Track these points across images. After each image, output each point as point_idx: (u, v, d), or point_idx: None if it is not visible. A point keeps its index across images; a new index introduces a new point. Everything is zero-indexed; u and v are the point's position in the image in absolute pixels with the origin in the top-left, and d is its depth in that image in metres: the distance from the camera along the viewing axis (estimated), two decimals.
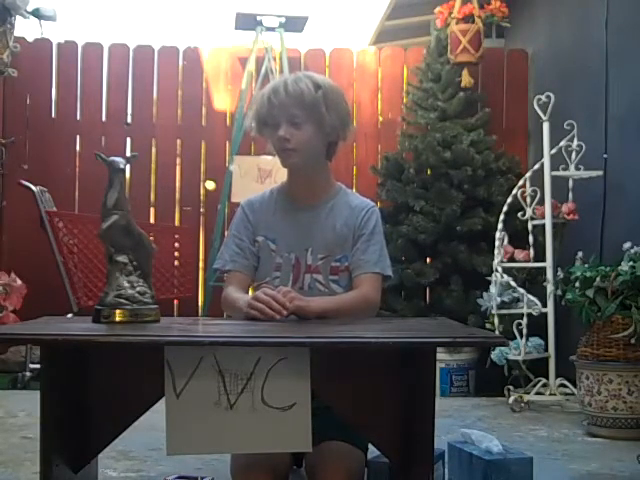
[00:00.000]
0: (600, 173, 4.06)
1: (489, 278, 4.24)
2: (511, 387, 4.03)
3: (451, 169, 4.67)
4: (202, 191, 5.33)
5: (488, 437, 2.21)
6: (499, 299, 4.12)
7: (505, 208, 4.23)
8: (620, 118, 4.10)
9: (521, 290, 4.06)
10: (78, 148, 5.27)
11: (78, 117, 5.28)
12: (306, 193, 2.24)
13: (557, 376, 3.94)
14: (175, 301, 5.18)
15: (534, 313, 3.95)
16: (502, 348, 4.00)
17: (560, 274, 3.80)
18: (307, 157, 2.18)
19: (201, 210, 5.34)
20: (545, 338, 4.03)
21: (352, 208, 2.23)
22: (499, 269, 4.17)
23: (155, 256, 1.86)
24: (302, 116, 2.13)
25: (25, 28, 4.59)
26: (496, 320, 4.12)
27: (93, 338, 1.59)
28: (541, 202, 4.13)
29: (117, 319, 1.75)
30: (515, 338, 3.98)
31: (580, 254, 3.79)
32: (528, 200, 4.16)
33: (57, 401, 1.65)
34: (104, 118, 5.30)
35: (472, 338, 1.68)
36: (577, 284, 3.45)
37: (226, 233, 5.18)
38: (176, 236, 5.05)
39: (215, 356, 1.62)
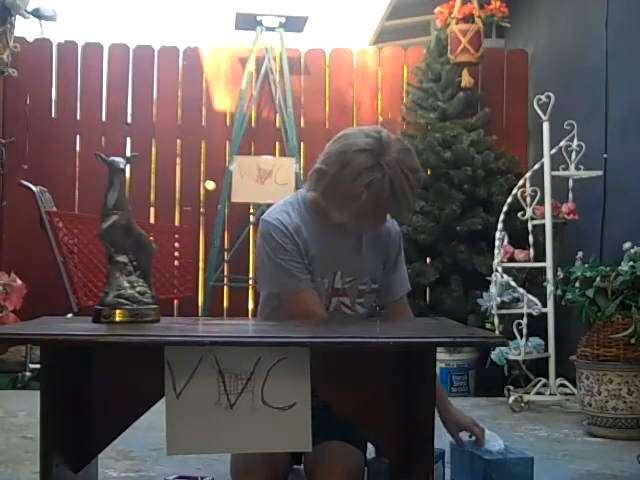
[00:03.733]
0: (600, 173, 4.06)
1: (489, 278, 4.23)
2: (511, 387, 4.03)
3: (451, 169, 4.67)
4: (202, 191, 5.33)
5: (494, 436, 2.20)
6: (499, 299, 4.11)
7: (505, 208, 4.23)
8: (620, 118, 4.10)
9: (521, 290, 4.05)
10: (78, 148, 5.27)
11: (78, 117, 5.28)
12: None
13: (557, 376, 3.94)
14: (175, 301, 5.17)
15: (534, 313, 3.95)
16: (502, 348, 4.00)
17: (560, 274, 3.80)
18: None
19: (201, 210, 5.34)
20: (545, 338, 4.03)
21: (379, 231, 2.16)
22: (499, 269, 4.17)
23: (155, 256, 1.86)
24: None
25: (25, 28, 4.59)
26: (496, 320, 4.12)
27: (93, 338, 1.59)
28: (541, 202, 4.13)
29: (117, 319, 1.75)
30: (515, 338, 3.97)
31: (580, 254, 3.79)
32: (528, 200, 4.16)
33: (57, 401, 1.65)
34: (104, 118, 5.30)
35: (472, 338, 1.69)
36: (577, 284, 3.45)
37: (226, 233, 5.25)
38: (176, 236, 5.05)
39: (215, 356, 1.62)
